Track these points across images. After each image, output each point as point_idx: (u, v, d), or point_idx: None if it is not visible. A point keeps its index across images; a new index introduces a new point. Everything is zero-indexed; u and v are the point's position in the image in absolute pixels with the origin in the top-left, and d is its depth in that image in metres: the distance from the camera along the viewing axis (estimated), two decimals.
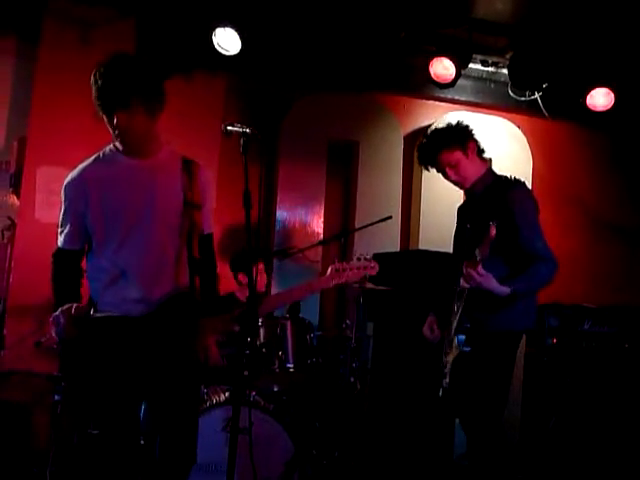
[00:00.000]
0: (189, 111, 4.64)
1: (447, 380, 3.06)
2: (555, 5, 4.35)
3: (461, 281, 3.00)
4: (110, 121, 2.47)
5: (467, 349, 3.05)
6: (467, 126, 3.33)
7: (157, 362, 2.48)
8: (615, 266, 5.50)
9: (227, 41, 4.39)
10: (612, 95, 4.90)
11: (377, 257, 4.83)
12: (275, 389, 3.72)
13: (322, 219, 5.05)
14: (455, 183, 3.32)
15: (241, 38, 4.36)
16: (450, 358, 3.08)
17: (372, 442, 4.31)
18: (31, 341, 3.63)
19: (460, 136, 3.26)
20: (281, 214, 4.96)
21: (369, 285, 3.94)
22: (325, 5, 4.51)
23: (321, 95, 5.08)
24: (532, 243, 3.05)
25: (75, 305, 2.43)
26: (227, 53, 4.43)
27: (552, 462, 4.30)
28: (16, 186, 4.40)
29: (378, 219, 4.29)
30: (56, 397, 3.47)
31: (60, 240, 2.61)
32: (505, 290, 2.97)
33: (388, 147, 5.20)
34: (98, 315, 2.50)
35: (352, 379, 3.90)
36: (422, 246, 5.08)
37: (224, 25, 4.35)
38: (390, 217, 4.35)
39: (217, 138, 4.66)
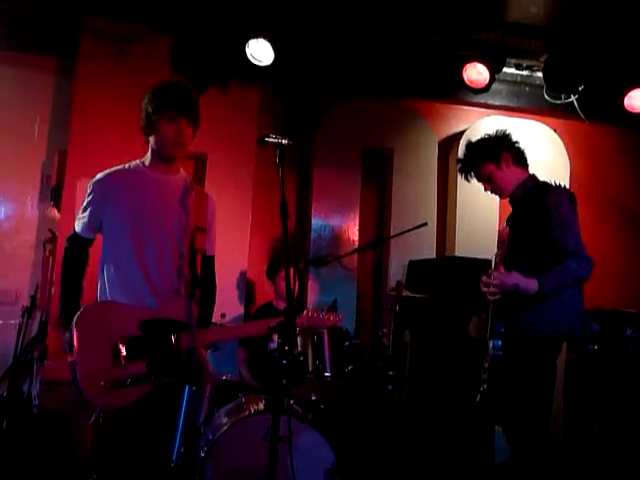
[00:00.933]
0: (225, 121, 4.70)
1: (485, 386, 3.02)
2: (589, 5, 4.29)
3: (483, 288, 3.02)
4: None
5: (499, 353, 3.00)
6: (500, 137, 3.31)
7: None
8: None
9: (260, 52, 4.45)
10: None
11: (413, 264, 4.86)
12: (313, 397, 3.72)
13: (357, 226, 5.05)
14: (494, 193, 3.36)
15: (274, 49, 4.41)
16: (486, 364, 3.05)
17: (411, 449, 4.28)
18: None
19: (492, 150, 3.26)
20: (316, 222, 4.97)
21: (405, 293, 3.93)
22: (357, 12, 4.52)
23: (354, 102, 5.09)
24: (564, 240, 2.99)
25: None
26: (260, 64, 4.48)
27: (595, 471, 4.22)
28: (57, 199, 4.50)
29: (414, 226, 4.28)
30: None
31: (78, 226, 2.81)
32: (533, 284, 2.91)
33: (423, 153, 5.18)
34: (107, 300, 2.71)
35: (390, 387, 3.89)
36: (458, 252, 5.05)
37: (257, 37, 4.40)
38: (426, 224, 4.33)
39: (252, 146, 4.73)
